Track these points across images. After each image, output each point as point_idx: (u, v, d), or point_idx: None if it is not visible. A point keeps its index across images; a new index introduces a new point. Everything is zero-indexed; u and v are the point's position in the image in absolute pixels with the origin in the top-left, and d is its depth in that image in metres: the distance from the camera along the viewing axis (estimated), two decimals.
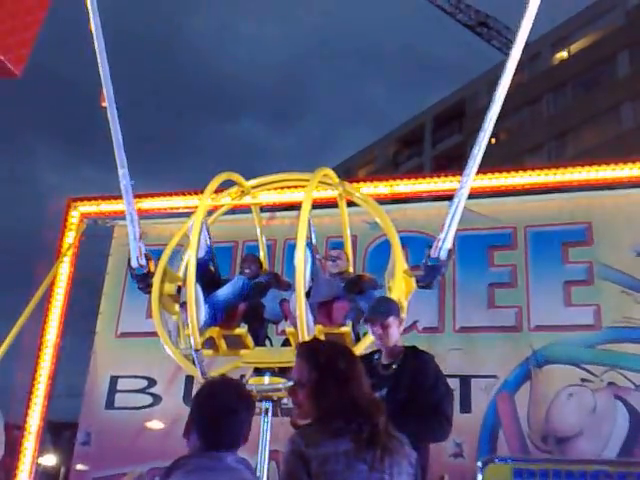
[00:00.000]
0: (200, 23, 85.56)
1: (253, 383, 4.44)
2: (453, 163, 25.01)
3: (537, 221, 6.88)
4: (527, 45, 4.36)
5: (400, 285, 4.43)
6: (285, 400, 4.48)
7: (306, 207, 4.35)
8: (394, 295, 4.37)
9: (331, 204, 5.83)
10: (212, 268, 4.81)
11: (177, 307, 4.74)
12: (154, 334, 4.71)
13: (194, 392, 2.43)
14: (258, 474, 4.27)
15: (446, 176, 7.23)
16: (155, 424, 7.10)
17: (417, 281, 4.51)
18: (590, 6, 27.04)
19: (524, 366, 6.37)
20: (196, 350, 4.28)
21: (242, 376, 5.06)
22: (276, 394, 4.42)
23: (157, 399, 7.20)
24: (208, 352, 4.56)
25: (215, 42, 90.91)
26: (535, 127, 26.95)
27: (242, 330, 4.55)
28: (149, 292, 4.77)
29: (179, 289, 4.76)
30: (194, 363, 4.36)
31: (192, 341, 4.28)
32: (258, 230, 5.84)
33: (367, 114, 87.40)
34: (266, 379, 4.43)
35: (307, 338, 4.06)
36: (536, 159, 24.76)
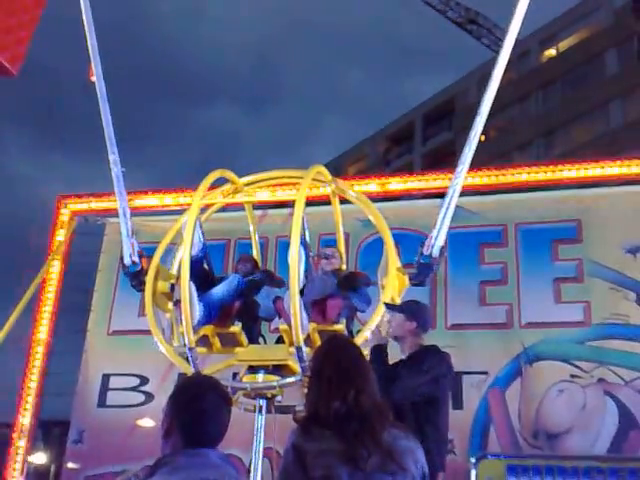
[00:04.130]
0: (166, 6, 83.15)
1: (247, 381, 4.44)
2: (443, 160, 25.07)
3: (527, 219, 6.92)
4: (516, 43, 4.39)
5: (393, 282, 4.45)
6: (279, 398, 4.49)
7: (300, 205, 4.35)
8: (387, 292, 4.40)
9: (324, 202, 5.83)
10: (206, 266, 4.79)
11: (170, 305, 4.73)
12: (146, 332, 4.68)
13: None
14: (252, 471, 4.29)
15: (437, 174, 7.27)
16: (147, 422, 7.08)
17: (410, 278, 4.53)
18: (578, 4, 27.15)
19: (515, 362, 6.41)
20: (190, 348, 4.28)
21: (236, 374, 5.08)
22: (270, 392, 4.42)
23: (149, 397, 7.19)
24: (202, 350, 4.55)
25: (183, 25, 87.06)
26: (524, 125, 27.03)
27: (236, 328, 4.54)
28: (142, 290, 4.74)
29: (172, 287, 4.75)
30: (188, 361, 4.35)
31: (186, 339, 4.27)
32: (251, 228, 5.81)
33: (347, 101, 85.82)
34: (260, 377, 4.43)
35: (301, 336, 4.07)
36: (525, 157, 24.87)
